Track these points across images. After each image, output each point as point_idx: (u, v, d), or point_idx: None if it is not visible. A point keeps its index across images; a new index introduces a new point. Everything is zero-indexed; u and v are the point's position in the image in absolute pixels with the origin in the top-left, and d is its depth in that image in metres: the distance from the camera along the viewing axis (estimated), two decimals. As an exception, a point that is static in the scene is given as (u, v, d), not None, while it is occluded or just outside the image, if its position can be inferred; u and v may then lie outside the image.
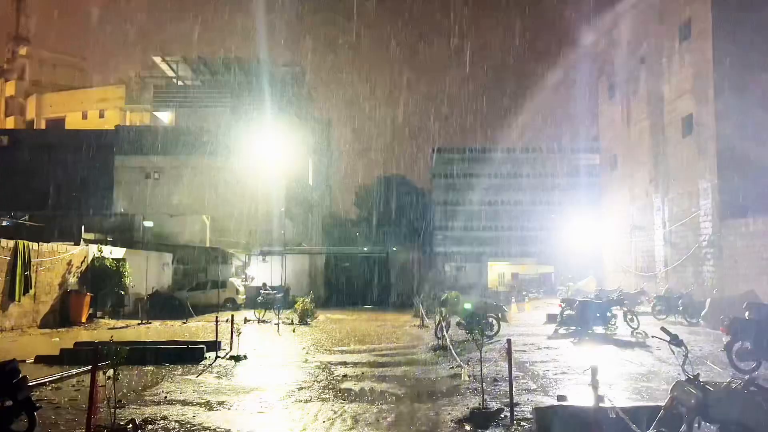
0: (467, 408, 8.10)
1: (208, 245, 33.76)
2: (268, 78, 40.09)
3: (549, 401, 8.65)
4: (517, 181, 79.99)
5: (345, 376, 11.23)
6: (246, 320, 23.22)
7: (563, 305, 19.49)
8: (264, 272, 33.40)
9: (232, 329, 15.03)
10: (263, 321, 23.13)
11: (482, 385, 8.09)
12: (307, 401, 8.89)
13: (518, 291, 40.32)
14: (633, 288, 28.54)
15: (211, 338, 14.96)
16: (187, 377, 11.11)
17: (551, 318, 21.69)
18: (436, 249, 70.37)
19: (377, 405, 8.54)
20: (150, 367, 12.08)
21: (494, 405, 8.18)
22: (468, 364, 11.46)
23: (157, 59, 40.94)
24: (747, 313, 14.53)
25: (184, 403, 8.85)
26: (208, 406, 8.62)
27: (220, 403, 8.77)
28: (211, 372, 11.75)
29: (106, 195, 35.08)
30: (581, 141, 63.89)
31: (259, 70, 39.28)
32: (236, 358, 13.37)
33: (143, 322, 22.53)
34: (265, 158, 36.13)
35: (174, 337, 17.76)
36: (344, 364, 12.74)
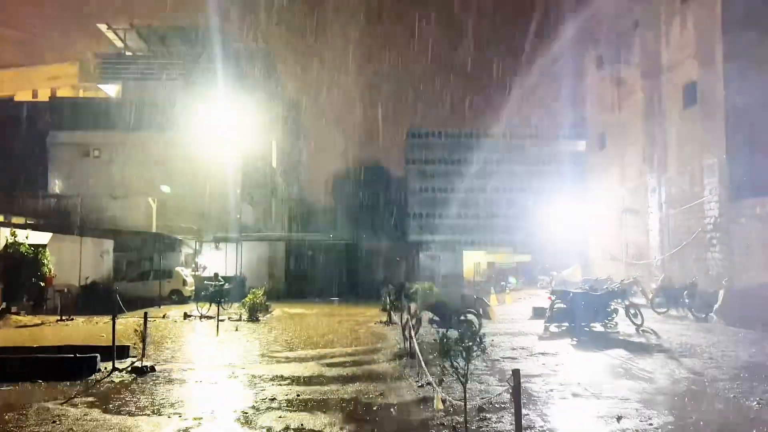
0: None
1: (154, 230, 30.23)
2: (228, 52, 36.53)
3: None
4: (494, 167, 77.23)
5: (272, 400, 8.08)
6: (186, 316, 20.20)
7: (553, 298, 16.62)
8: (218, 261, 30.06)
9: (144, 330, 11.83)
10: (206, 317, 19.96)
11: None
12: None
13: (497, 281, 37.47)
14: (624, 277, 25.84)
15: (130, 340, 11.77)
16: (46, 405, 7.86)
17: (538, 312, 18.90)
18: (410, 237, 67.48)
19: (298, 465, 5.41)
20: (8, 387, 8.83)
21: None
22: (443, 382, 8.39)
23: (103, 27, 36.96)
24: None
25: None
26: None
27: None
28: (89, 395, 8.51)
29: (39, 174, 31.24)
30: (564, 126, 61.27)
31: (217, 43, 35.63)
32: (139, 371, 10.17)
33: (63, 318, 19.29)
34: (221, 137, 32.62)
35: (90, 338, 14.62)
36: (280, 378, 9.59)
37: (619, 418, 6.83)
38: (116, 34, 37.78)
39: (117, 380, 9.54)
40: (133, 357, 11.45)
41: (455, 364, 4.73)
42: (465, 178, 77.70)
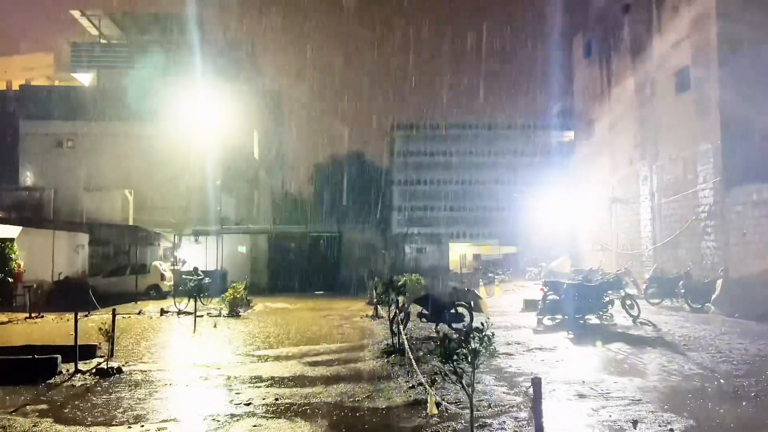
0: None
1: (131, 224, 29.20)
2: (208, 40, 35.42)
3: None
4: (479, 159, 76.89)
5: (248, 404, 7.29)
6: (163, 312, 19.30)
7: (546, 289, 15.96)
8: (198, 255, 29.08)
9: (113, 327, 11.06)
10: (184, 312, 19.05)
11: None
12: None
13: (484, 273, 36.83)
14: (614, 268, 25.28)
15: (101, 338, 10.94)
16: (-7, 413, 7.02)
17: (529, 305, 18.21)
18: (396, 230, 66.82)
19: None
20: (-45, 394, 7.96)
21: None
22: (435, 383, 7.63)
23: (76, 14, 35.66)
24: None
25: None
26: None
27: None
28: (44, 401, 7.66)
29: (9, 165, 30.05)
30: (552, 115, 60.87)
31: (195, 31, 34.50)
32: (104, 373, 9.33)
33: (32, 315, 18.31)
34: (200, 127, 31.55)
35: (58, 337, 13.75)
36: (258, 380, 8.80)
37: (635, 423, 6.12)
38: (90, 22, 36.48)
39: (78, 384, 8.70)
40: (101, 357, 10.64)
41: (458, 370, 3.98)
42: (451, 171, 77.17)
